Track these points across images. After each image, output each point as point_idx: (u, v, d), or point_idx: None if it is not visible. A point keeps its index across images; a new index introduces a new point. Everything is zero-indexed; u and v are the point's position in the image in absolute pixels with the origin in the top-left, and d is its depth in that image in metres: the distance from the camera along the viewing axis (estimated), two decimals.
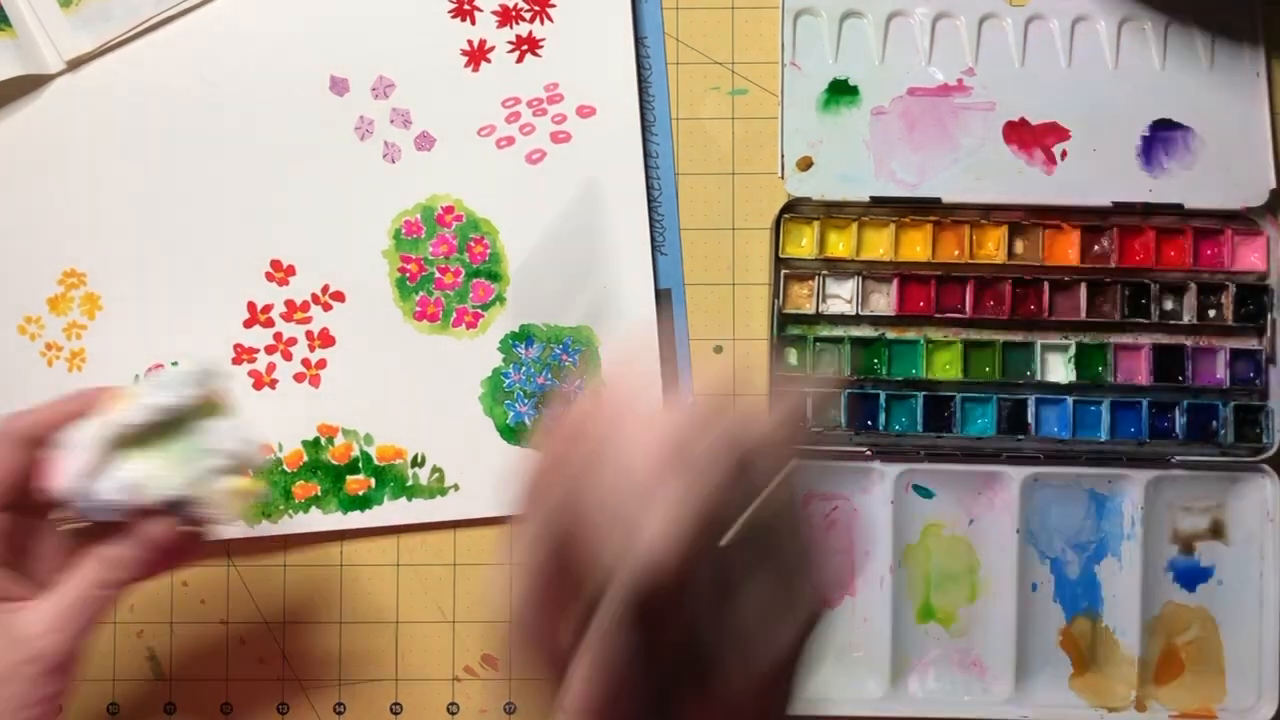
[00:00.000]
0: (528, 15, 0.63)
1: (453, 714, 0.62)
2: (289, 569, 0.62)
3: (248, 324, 0.62)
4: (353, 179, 0.62)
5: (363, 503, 0.62)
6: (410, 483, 0.62)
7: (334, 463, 0.62)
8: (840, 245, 0.62)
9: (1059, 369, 0.61)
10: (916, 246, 0.61)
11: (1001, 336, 0.61)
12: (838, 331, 0.61)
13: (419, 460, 0.62)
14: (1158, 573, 0.61)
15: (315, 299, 0.62)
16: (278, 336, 0.62)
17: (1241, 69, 0.62)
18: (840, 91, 0.62)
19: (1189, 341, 0.61)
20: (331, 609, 0.62)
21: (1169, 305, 0.61)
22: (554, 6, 0.62)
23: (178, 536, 0.47)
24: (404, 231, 0.62)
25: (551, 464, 0.36)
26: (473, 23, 0.63)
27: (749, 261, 0.62)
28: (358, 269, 0.62)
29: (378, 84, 0.62)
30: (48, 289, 0.62)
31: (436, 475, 0.62)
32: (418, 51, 0.62)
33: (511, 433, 0.62)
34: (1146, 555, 0.60)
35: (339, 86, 0.63)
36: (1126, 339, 0.61)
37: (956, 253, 0.61)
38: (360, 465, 0.62)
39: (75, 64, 0.62)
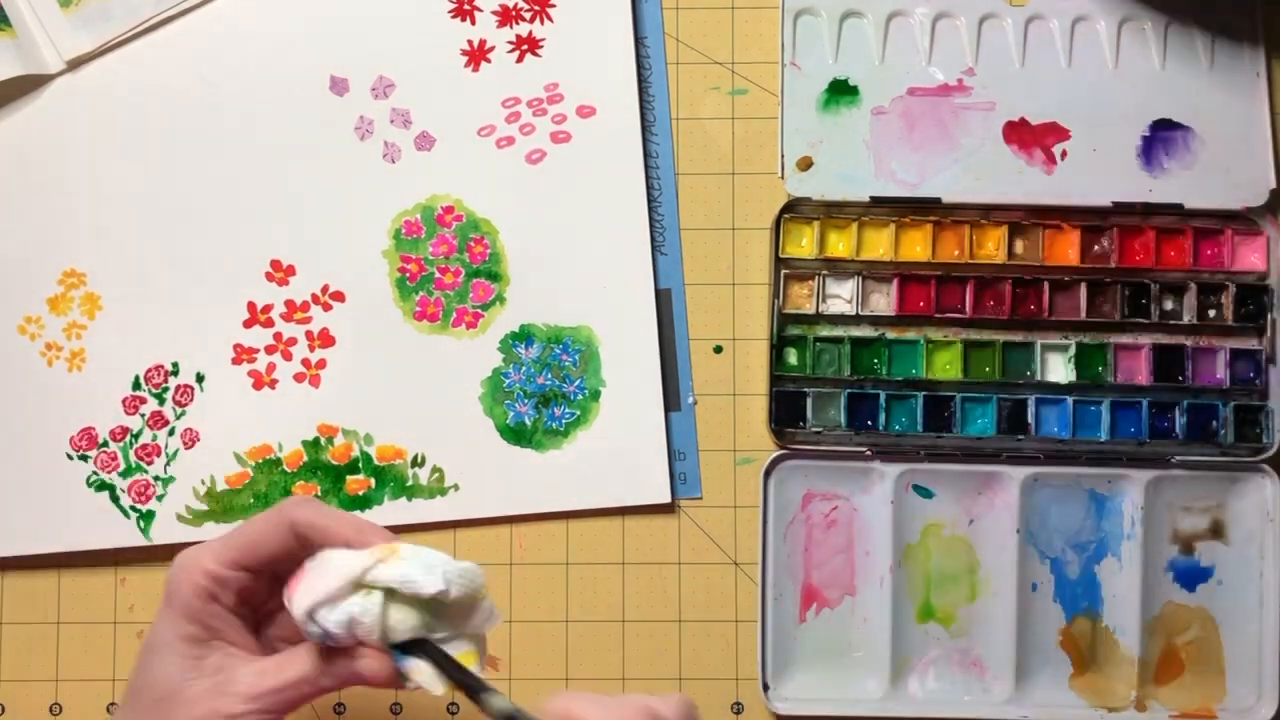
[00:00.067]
0: (528, 15, 0.63)
1: (453, 714, 0.62)
2: None
3: (248, 324, 0.62)
4: (353, 179, 0.62)
5: (363, 503, 0.62)
6: (410, 483, 0.62)
7: (334, 463, 0.62)
8: (840, 245, 0.62)
9: (1059, 369, 0.61)
10: (916, 246, 0.61)
11: (1001, 336, 0.61)
12: (838, 331, 0.61)
13: (419, 460, 0.62)
14: (1158, 573, 0.61)
15: (315, 299, 0.62)
16: (278, 336, 0.62)
17: (1241, 69, 0.62)
18: (840, 91, 0.62)
19: (1189, 341, 0.61)
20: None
21: (1169, 305, 0.62)
22: (554, 6, 0.63)
23: (388, 679, 0.47)
24: (404, 231, 0.62)
25: None
26: (473, 23, 0.63)
27: (749, 261, 0.62)
28: (358, 269, 0.62)
29: (378, 84, 0.62)
30: (48, 289, 0.62)
31: (436, 475, 0.62)
32: (418, 51, 0.63)
33: (511, 433, 0.62)
34: (1146, 555, 0.60)
35: (339, 86, 0.63)
36: (1126, 339, 0.61)
37: (956, 253, 0.61)
38: (360, 465, 0.62)
39: (75, 64, 0.62)
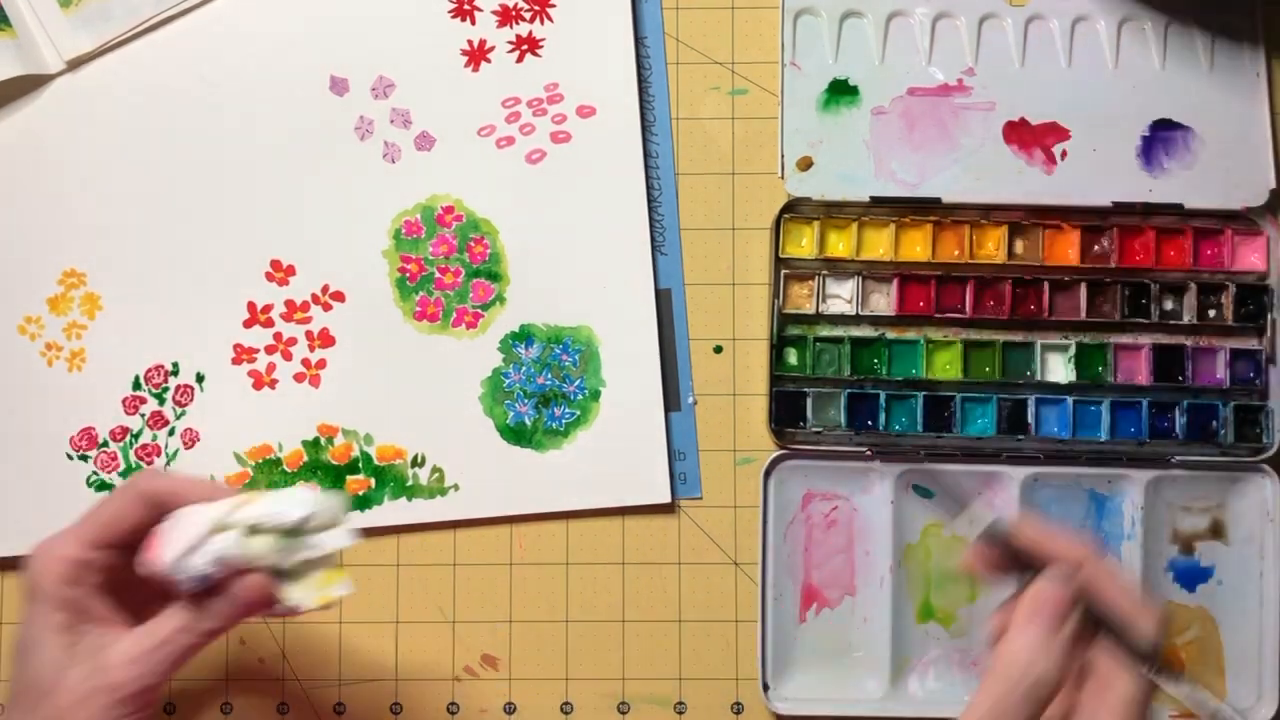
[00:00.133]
0: (528, 15, 0.63)
1: (453, 714, 0.62)
2: None
3: (248, 324, 0.62)
4: (353, 179, 0.62)
5: (363, 503, 0.62)
6: (410, 483, 0.62)
7: (334, 463, 0.62)
8: (840, 245, 0.62)
9: (1059, 369, 0.61)
10: (916, 246, 0.61)
11: (1001, 336, 0.61)
12: (838, 331, 0.61)
13: (419, 460, 0.62)
14: (1158, 573, 0.61)
15: (315, 299, 0.62)
16: (278, 336, 0.62)
17: (1241, 69, 0.62)
18: (840, 91, 0.62)
19: (1189, 341, 0.61)
20: (331, 609, 0.62)
21: (1169, 305, 0.62)
22: (554, 6, 0.63)
23: (264, 596, 0.48)
24: (404, 231, 0.62)
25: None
26: (473, 23, 0.63)
27: (749, 261, 0.62)
28: (358, 269, 0.62)
29: (378, 84, 0.62)
30: (48, 289, 0.62)
31: (436, 475, 0.62)
32: (418, 51, 0.63)
33: (511, 433, 0.62)
34: (1146, 555, 0.60)
35: (339, 86, 0.63)
36: (1126, 339, 0.61)
37: (956, 253, 0.61)
38: (360, 465, 0.62)
39: (75, 64, 0.62)
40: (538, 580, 0.62)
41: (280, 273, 0.62)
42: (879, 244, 0.62)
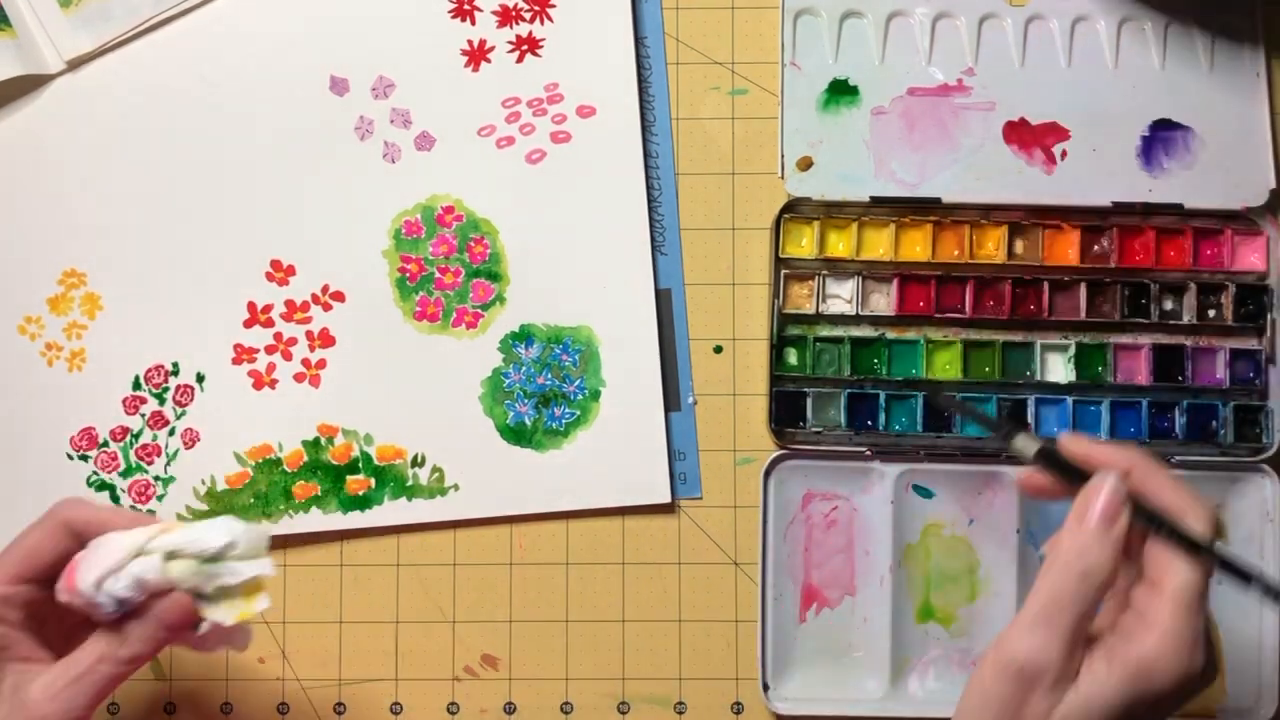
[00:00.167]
0: (528, 15, 0.63)
1: (453, 714, 0.62)
2: (289, 569, 0.62)
3: (248, 324, 0.62)
4: (353, 179, 0.62)
5: (363, 503, 0.62)
6: (410, 483, 0.62)
7: (334, 463, 0.62)
8: (840, 245, 0.62)
9: (1059, 369, 0.61)
10: (916, 246, 0.61)
11: (1001, 336, 0.61)
12: (838, 331, 0.61)
13: (419, 460, 0.62)
14: None
15: (315, 299, 0.62)
16: (278, 336, 0.62)
17: (1241, 69, 0.62)
18: (840, 91, 0.62)
19: (1189, 341, 0.61)
20: (331, 609, 0.62)
21: (1169, 305, 0.62)
22: (554, 6, 0.63)
23: (186, 615, 0.48)
24: (404, 231, 0.62)
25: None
26: (473, 23, 0.63)
27: (749, 261, 0.62)
28: (358, 269, 0.62)
29: (378, 84, 0.62)
30: (48, 289, 0.62)
31: (436, 475, 0.62)
32: (418, 51, 0.63)
33: (511, 433, 0.62)
34: None
35: (339, 86, 0.63)
36: (1126, 339, 0.61)
37: (956, 253, 0.61)
38: (360, 465, 0.62)
39: (75, 64, 0.62)
40: (538, 580, 0.62)
41: (280, 273, 0.62)
42: (879, 244, 0.62)
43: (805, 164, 0.62)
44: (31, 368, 0.62)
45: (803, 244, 0.62)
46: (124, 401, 0.62)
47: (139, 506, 0.61)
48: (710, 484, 0.62)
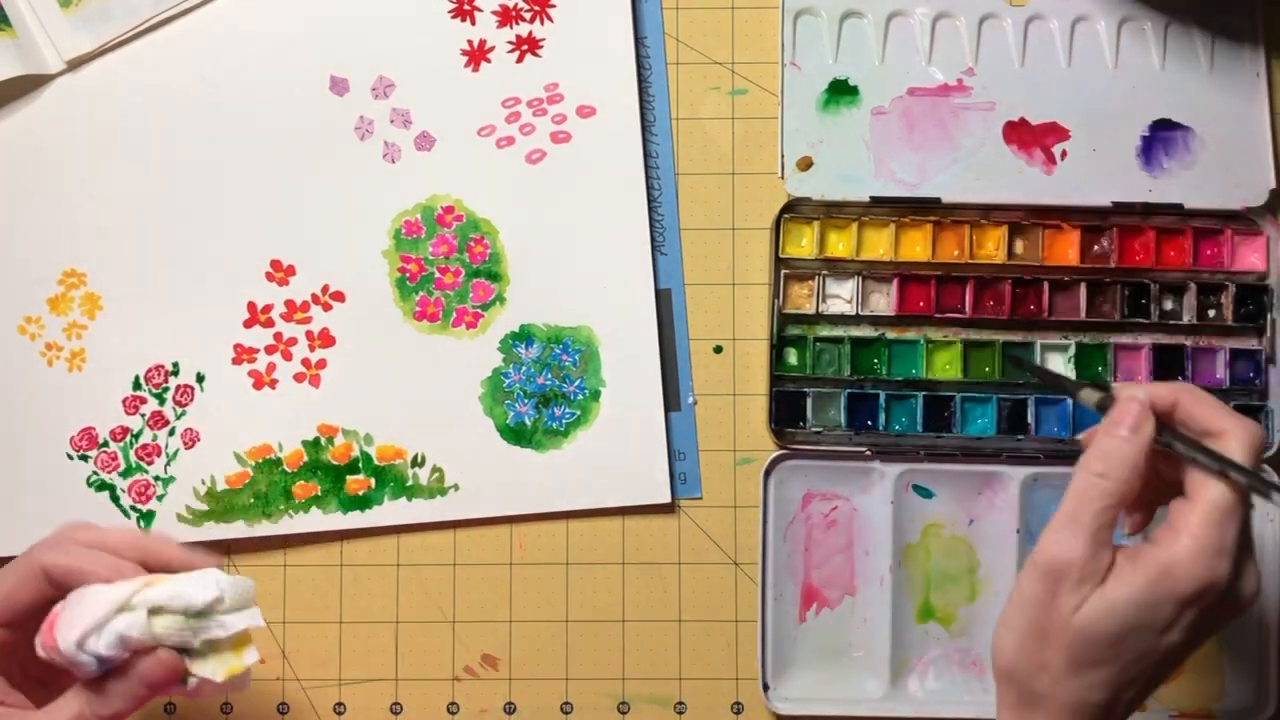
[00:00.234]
0: (528, 15, 0.63)
1: (453, 714, 0.62)
2: (289, 569, 0.62)
3: (248, 324, 0.62)
4: (353, 179, 0.62)
5: (363, 503, 0.62)
6: (410, 483, 0.62)
7: (334, 463, 0.62)
8: (840, 245, 0.62)
9: (1059, 369, 0.61)
10: (916, 246, 0.61)
11: (1001, 336, 0.61)
12: (838, 331, 0.61)
13: (419, 460, 0.62)
14: None
15: (315, 299, 0.62)
16: (278, 336, 0.62)
17: (1241, 69, 0.62)
18: (840, 91, 0.62)
19: (1189, 341, 0.61)
20: (331, 609, 0.62)
21: (1169, 305, 0.62)
22: (554, 6, 0.63)
23: (171, 674, 0.47)
24: (404, 231, 0.62)
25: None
26: (473, 23, 0.63)
27: (749, 261, 0.62)
28: (358, 269, 0.62)
29: (378, 84, 0.62)
30: (48, 289, 0.62)
31: (436, 475, 0.62)
32: (418, 51, 0.63)
33: (511, 433, 0.62)
34: None
35: (339, 86, 0.63)
36: (1126, 339, 0.61)
37: (956, 253, 0.61)
38: (360, 465, 0.62)
39: (75, 64, 0.62)
40: (538, 580, 0.62)
41: (280, 273, 0.62)
42: (879, 244, 0.62)
43: (805, 164, 0.62)
44: (31, 368, 0.62)
45: (803, 244, 0.62)
46: (124, 401, 0.62)
47: (140, 507, 0.61)
48: (710, 484, 0.62)
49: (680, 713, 0.61)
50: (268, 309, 0.62)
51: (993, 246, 0.61)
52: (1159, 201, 0.61)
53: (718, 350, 0.62)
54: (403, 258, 0.62)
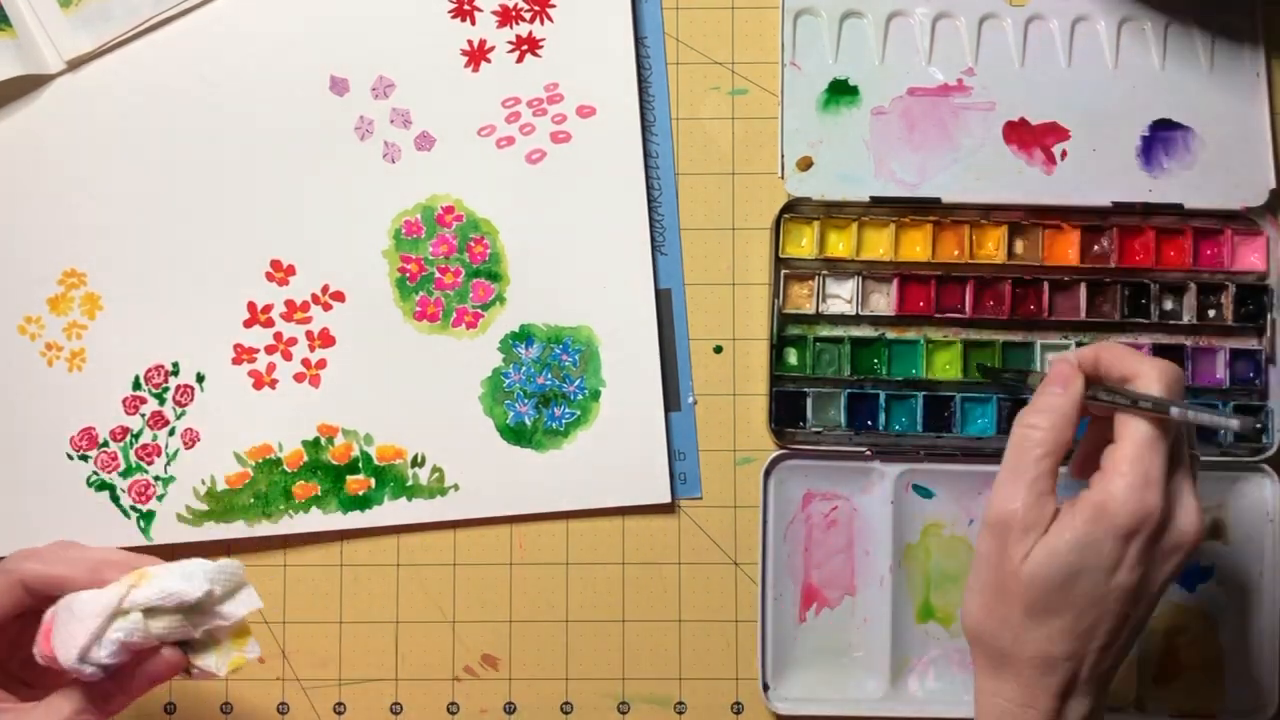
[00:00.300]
0: (528, 15, 0.63)
1: (453, 714, 0.62)
2: (289, 569, 0.62)
3: (248, 324, 0.62)
4: (353, 179, 0.62)
5: (363, 503, 0.62)
6: (410, 483, 0.62)
7: (334, 463, 0.62)
8: (840, 245, 0.62)
9: None
10: (916, 246, 0.61)
11: (1001, 336, 0.61)
12: (838, 331, 0.61)
13: (419, 460, 0.62)
14: None
15: (315, 299, 0.62)
16: (278, 336, 0.62)
17: (1241, 69, 0.62)
18: (840, 91, 0.62)
19: (1189, 341, 0.61)
20: (331, 609, 0.62)
21: (1169, 305, 0.62)
22: (554, 6, 0.63)
23: (176, 669, 0.47)
24: (404, 231, 0.62)
25: None
26: (473, 23, 0.63)
27: (749, 261, 0.62)
28: (358, 269, 0.62)
29: (378, 84, 0.62)
30: (48, 289, 0.62)
31: (436, 475, 0.62)
32: (418, 51, 0.63)
33: (511, 433, 0.62)
34: None
35: (339, 86, 0.63)
36: (1126, 339, 0.61)
37: (956, 253, 0.61)
38: (360, 465, 0.62)
39: (75, 64, 0.62)
40: (538, 580, 0.62)
41: (280, 273, 0.62)
42: (879, 244, 0.62)
43: (805, 164, 0.62)
44: (31, 368, 0.62)
45: (803, 244, 0.62)
46: (124, 401, 0.62)
47: (140, 507, 0.61)
48: (710, 484, 0.62)
49: (680, 713, 0.62)
50: (268, 309, 0.62)
51: (993, 246, 0.61)
52: (1159, 201, 0.61)
53: (718, 350, 0.62)
54: (403, 258, 0.62)
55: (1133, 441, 0.46)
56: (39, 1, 0.61)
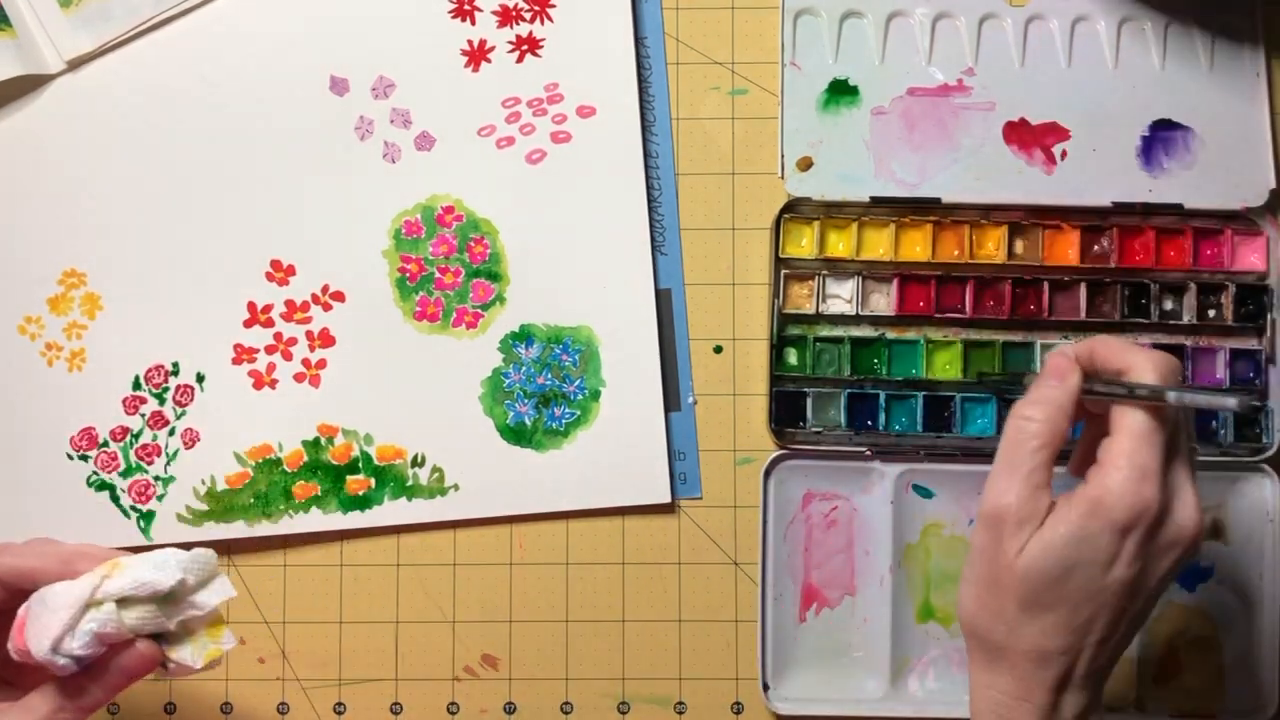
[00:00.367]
0: (528, 15, 0.63)
1: (453, 714, 0.62)
2: (289, 569, 0.62)
3: (248, 324, 0.62)
4: (353, 179, 0.62)
5: (363, 503, 0.62)
6: (410, 483, 0.62)
7: (334, 463, 0.62)
8: (840, 245, 0.62)
9: None
10: (916, 246, 0.61)
11: (1001, 336, 0.61)
12: (838, 331, 0.61)
13: (419, 460, 0.62)
14: None
15: (315, 299, 0.62)
16: (278, 336, 0.62)
17: (1241, 69, 0.62)
18: (840, 91, 0.62)
19: (1189, 341, 0.61)
20: (331, 609, 0.62)
21: (1169, 305, 0.62)
22: (554, 6, 0.63)
23: (151, 663, 0.47)
24: (404, 231, 0.62)
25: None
26: (473, 23, 0.63)
27: (749, 261, 0.62)
28: (358, 269, 0.62)
29: (378, 84, 0.62)
30: (48, 289, 0.62)
31: (436, 475, 0.62)
32: (418, 51, 0.63)
33: (511, 433, 0.62)
34: None
35: (339, 86, 0.63)
36: (1126, 339, 0.61)
37: (956, 253, 0.61)
38: (360, 465, 0.62)
39: (75, 64, 0.62)
40: (538, 580, 0.62)
41: (280, 273, 0.62)
42: (879, 244, 0.62)
43: (805, 164, 0.62)
44: (31, 368, 0.62)
45: (803, 244, 0.62)
46: (124, 401, 0.62)
47: (139, 507, 0.61)
48: (710, 484, 0.62)
49: (680, 713, 0.62)
50: (268, 309, 0.62)
51: (993, 246, 0.62)
52: (1159, 201, 0.61)
53: (718, 350, 0.62)
54: (403, 258, 0.62)
55: (1129, 434, 0.46)
56: (39, 1, 0.61)
